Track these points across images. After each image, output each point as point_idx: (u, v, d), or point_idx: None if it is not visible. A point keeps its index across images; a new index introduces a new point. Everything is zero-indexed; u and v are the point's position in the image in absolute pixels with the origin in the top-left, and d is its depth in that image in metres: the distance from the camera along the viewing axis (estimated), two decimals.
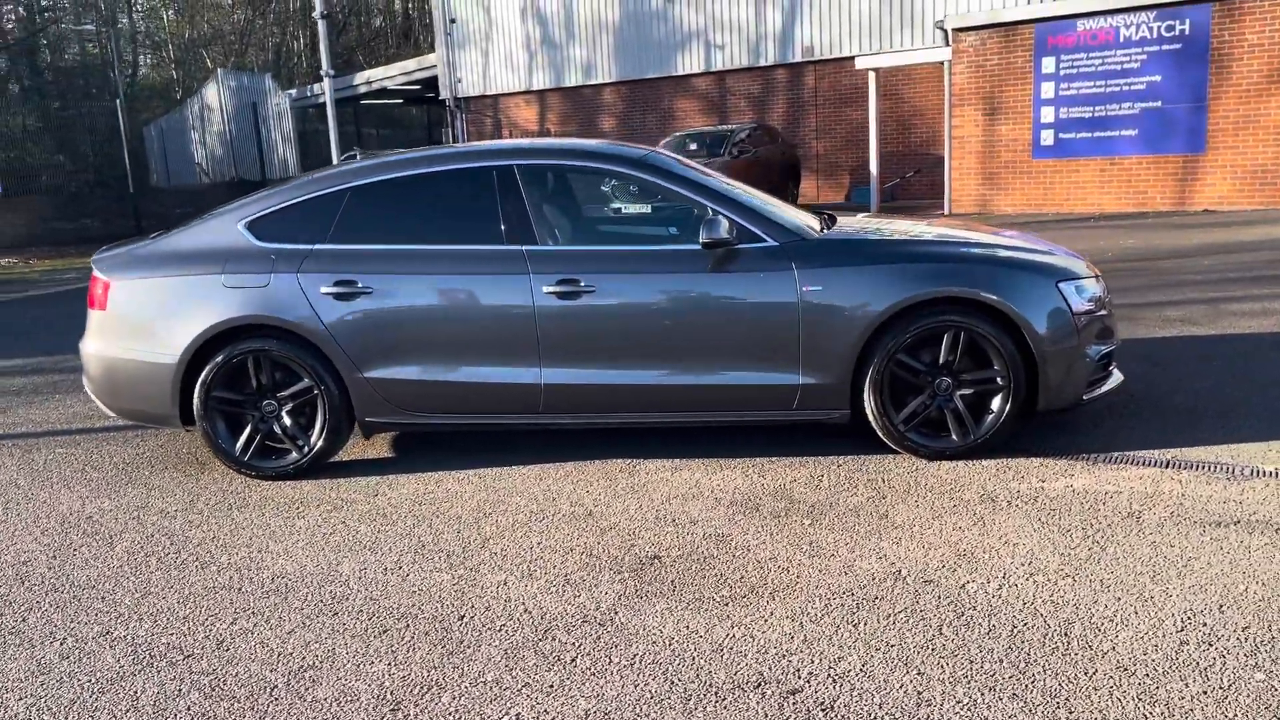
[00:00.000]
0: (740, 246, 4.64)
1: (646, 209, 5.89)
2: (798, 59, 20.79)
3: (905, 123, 20.02)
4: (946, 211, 17.06)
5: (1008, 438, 4.73)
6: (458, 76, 25.80)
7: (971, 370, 4.66)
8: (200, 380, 4.78)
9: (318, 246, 4.82)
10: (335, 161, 19.69)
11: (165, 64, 34.85)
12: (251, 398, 4.85)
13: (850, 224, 5.31)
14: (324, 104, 28.97)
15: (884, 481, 4.52)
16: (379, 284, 4.72)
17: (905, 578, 3.56)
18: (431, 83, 26.22)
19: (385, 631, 3.36)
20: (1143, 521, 3.93)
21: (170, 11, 38.29)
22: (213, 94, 25.39)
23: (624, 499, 4.46)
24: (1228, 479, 4.30)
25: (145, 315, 4.86)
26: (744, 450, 4.98)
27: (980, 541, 3.83)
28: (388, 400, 4.79)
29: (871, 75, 17.89)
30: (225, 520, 4.47)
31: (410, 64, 26.79)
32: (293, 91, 30.80)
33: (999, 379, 4.60)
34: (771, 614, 3.34)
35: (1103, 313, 4.81)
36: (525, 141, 5.31)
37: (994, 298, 4.54)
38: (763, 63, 21.24)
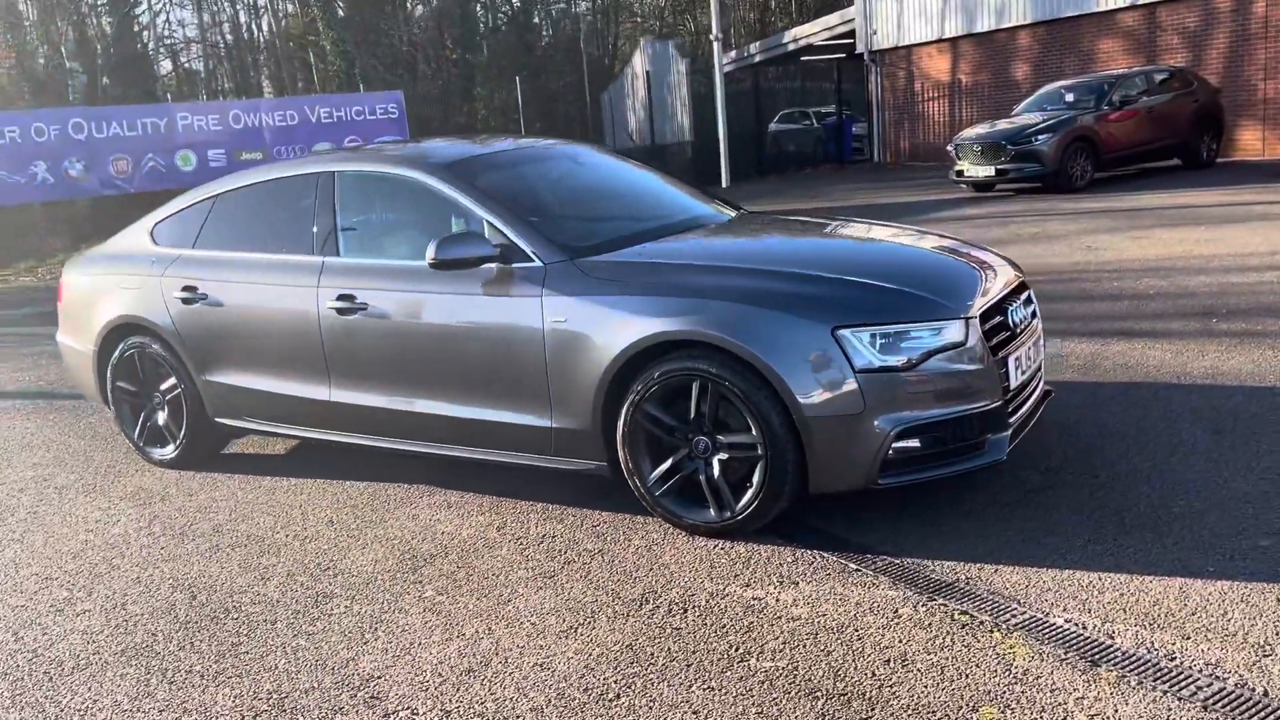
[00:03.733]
0: (514, 266, 4.15)
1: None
2: None
3: None
4: None
5: (770, 518, 3.80)
6: (873, 29, 24.78)
7: (729, 432, 3.78)
8: (108, 370, 5.34)
9: (183, 252, 5.13)
10: (721, 128, 20.06)
11: (636, 33, 37.47)
12: (142, 390, 5.31)
13: (689, 237, 4.49)
14: (756, 64, 29.46)
15: (586, 551, 3.85)
16: (213, 290, 4.92)
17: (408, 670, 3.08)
18: (853, 37, 25.45)
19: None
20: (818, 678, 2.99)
21: None
22: (638, 62, 26.86)
23: (356, 529, 4.26)
24: (1033, 640, 3.10)
25: (77, 310, 5.52)
26: (553, 493, 4.47)
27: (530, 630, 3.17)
28: (223, 404, 5.00)
29: None
30: (48, 492, 4.95)
31: (833, 18, 26.20)
32: (731, 54, 31.60)
33: (759, 446, 3.68)
34: None
35: (952, 367, 3.66)
36: (391, 146, 5.14)
37: (738, 344, 3.63)
38: None
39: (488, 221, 4.26)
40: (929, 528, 3.79)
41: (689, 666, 2.99)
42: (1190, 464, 4.15)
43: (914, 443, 3.67)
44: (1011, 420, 3.89)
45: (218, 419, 5.09)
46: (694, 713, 2.76)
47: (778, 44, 29.21)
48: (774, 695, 2.80)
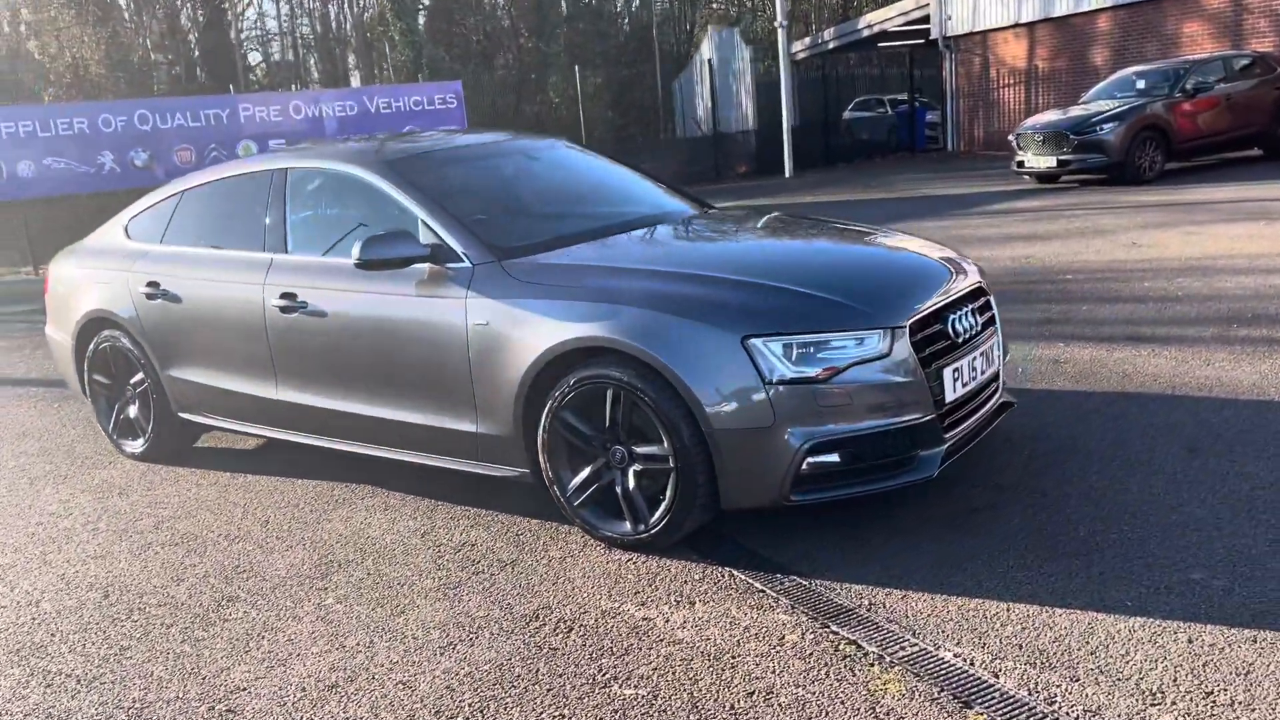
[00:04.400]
0: (446, 266, 4.07)
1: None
2: None
3: None
4: None
5: (684, 533, 3.68)
6: (948, 14, 24.13)
7: (643, 443, 3.65)
8: (85, 362, 5.43)
9: (150, 247, 5.18)
10: (784, 116, 19.74)
11: (712, 20, 37.13)
12: (114, 383, 5.38)
13: (633, 237, 4.35)
14: (830, 51, 28.94)
15: (499, 562, 3.76)
16: (173, 286, 4.95)
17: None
18: (929, 23, 24.80)
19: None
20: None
21: None
22: (706, 50, 26.57)
23: (276, 526, 4.24)
24: (905, 676, 2.93)
25: (59, 302, 5.62)
26: (490, 499, 4.38)
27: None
28: (185, 399, 5.04)
29: None
30: (20, 481, 5.04)
31: (908, 3, 25.54)
32: (805, 40, 31.11)
33: (670, 459, 3.55)
34: None
35: (874, 379, 3.48)
36: (340, 143, 5.09)
37: (647, 352, 3.50)
38: None
39: (422, 220, 4.18)
40: (852, 547, 3.61)
41: (550, 691, 2.88)
42: (1150, 485, 3.88)
43: (832, 458, 3.49)
44: (948, 436, 3.67)
45: (181, 414, 5.12)
46: None
47: (852, 30, 28.65)
48: None
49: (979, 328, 3.90)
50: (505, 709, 2.81)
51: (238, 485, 4.88)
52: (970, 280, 4.05)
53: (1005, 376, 4.27)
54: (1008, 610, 3.09)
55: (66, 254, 5.74)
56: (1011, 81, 22.96)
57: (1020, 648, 2.88)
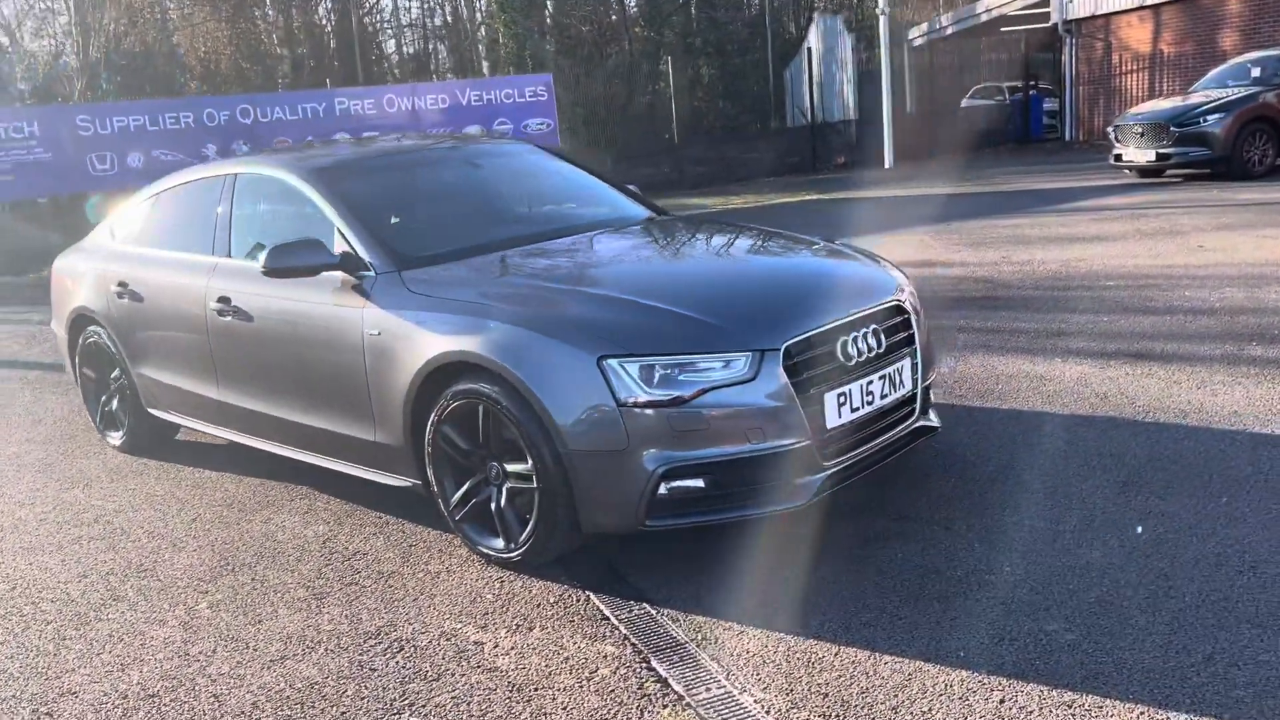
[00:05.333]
0: (356, 275, 4.10)
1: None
2: None
3: None
4: None
5: (552, 553, 3.61)
6: None
7: (512, 461, 3.61)
8: (76, 355, 5.70)
9: (125, 248, 5.39)
10: (885, 105, 19.22)
11: (826, 7, 36.40)
12: (99, 377, 5.62)
13: (559, 245, 4.29)
14: (947, 37, 28.05)
15: (379, 573, 3.77)
16: (137, 287, 5.13)
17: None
18: (1049, 6, 23.74)
19: None
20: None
21: None
22: (812, 38, 26.04)
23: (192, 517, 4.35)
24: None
25: (56, 297, 5.90)
26: (405, 508, 4.39)
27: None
28: (151, 396, 5.22)
29: None
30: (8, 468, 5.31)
31: None
32: (924, 26, 30.21)
33: (533, 478, 3.50)
34: None
35: (738, 403, 3.33)
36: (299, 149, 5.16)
37: (509, 370, 3.46)
38: None
39: (337, 228, 4.21)
40: (721, 574, 3.48)
41: (343, 715, 2.86)
42: (1061, 521, 3.62)
43: (694, 483, 3.37)
44: (829, 463, 3.49)
45: (150, 409, 5.31)
46: None
47: (970, 15, 27.64)
48: None
49: (880, 350, 3.69)
50: None
51: (190, 481, 5.02)
52: (883, 300, 3.83)
53: (928, 397, 4.03)
54: (836, 655, 2.93)
55: (67, 252, 6.00)
56: (1134, 67, 21.77)
57: (825, 697, 2.72)
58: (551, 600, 3.43)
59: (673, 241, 4.52)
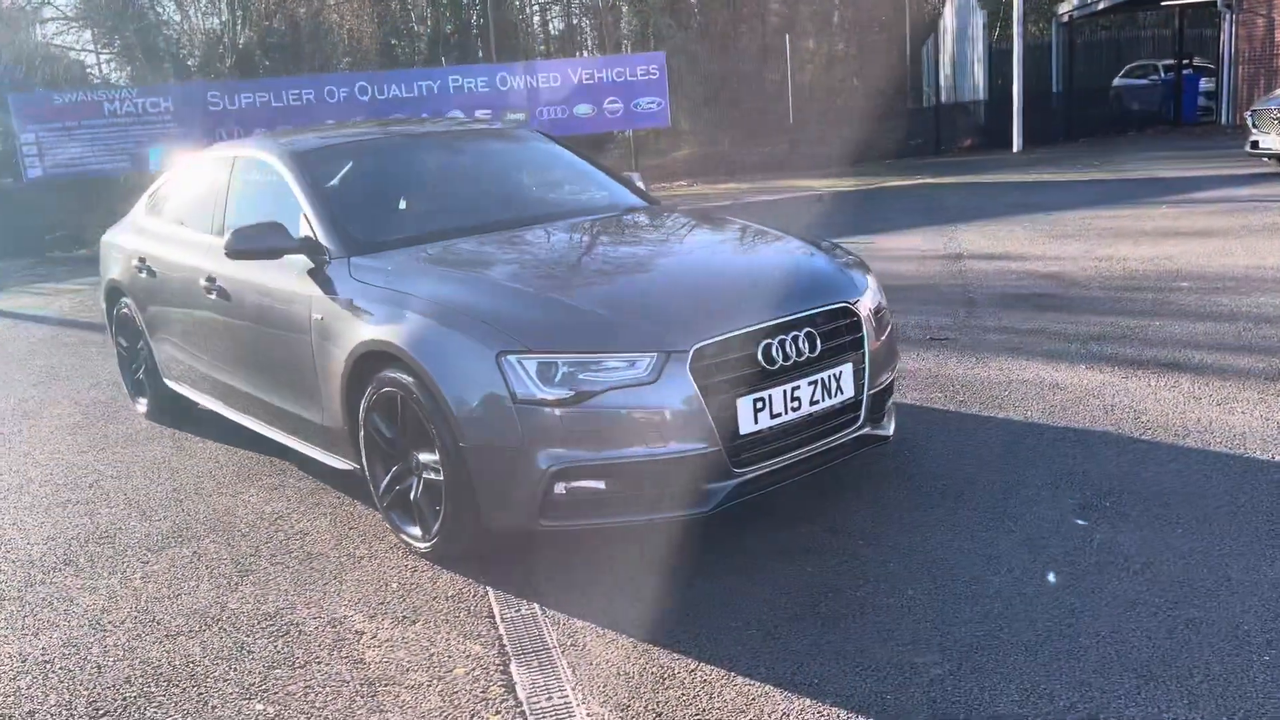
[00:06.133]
0: (316, 259, 4.17)
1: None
2: None
3: None
4: None
5: (462, 546, 3.58)
6: None
7: (426, 451, 3.62)
8: (112, 325, 6.01)
9: (150, 223, 5.62)
10: (1015, 86, 18.41)
11: None
12: (130, 346, 5.90)
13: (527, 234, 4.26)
14: (1100, 10, 26.56)
15: (313, 554, 3.84)
16: (152, 263, 5.35)
17: None
18: None
19: None
20: None
21: None
22: (947, 15, 25.03)
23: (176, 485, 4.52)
24: None
25: (101, 269, 6.20)
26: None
27: None
28: (165, 367, 5.46)
29: None
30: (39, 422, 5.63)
31: None
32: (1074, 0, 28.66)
33: (440, 470, 3.51)
34: None
35: (638, 405, 3.24)
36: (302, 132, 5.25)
37: (417, 361, 3.46)
38: None
39: (302, 212, 4.28)
40: (620, 581, 3.41)
41: (199, 696, 2.93)
42: (991, 546, 3.39)
43: (594, 484, 3.30)
44: (742, 470, 3.37)
45: (164, 380, 5.54)
46: None
47: None
48: None
49: (813, 354, 3.52)
50: (149, 707, 2.88)
51: (189, 451, 5.21)
52: (825, 303, 3.65)
53: (880, 404, 3.83)
54: (691, 672, 2.82)
55: (113, 226, 6.30)
56: None
57: (658, 716, 2.63)
58: (450, 594, 3.42)
59: (629, 236, 4.42)
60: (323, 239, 4.12)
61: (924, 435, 4.46)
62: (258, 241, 4.14)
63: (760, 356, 3.39)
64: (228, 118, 16.65)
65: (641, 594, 3.29)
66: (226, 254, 4.18)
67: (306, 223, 4.21)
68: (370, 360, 3.69)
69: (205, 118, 16.51)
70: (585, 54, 39.16)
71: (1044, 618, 2.91)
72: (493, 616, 3.24)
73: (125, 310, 5.76)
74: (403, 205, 4.66)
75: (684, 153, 22.37)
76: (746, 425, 3.36)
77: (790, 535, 3.60)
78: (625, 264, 4.08)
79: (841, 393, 3.62)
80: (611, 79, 18.09)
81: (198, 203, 5.23)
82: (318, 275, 4.01)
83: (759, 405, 3.38)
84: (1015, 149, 19.96)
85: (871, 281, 4.04)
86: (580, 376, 3.24)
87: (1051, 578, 3.07)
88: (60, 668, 3.14)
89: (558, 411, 3.23)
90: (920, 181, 16.35)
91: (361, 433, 3.81)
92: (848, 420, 3.68)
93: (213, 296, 4.66)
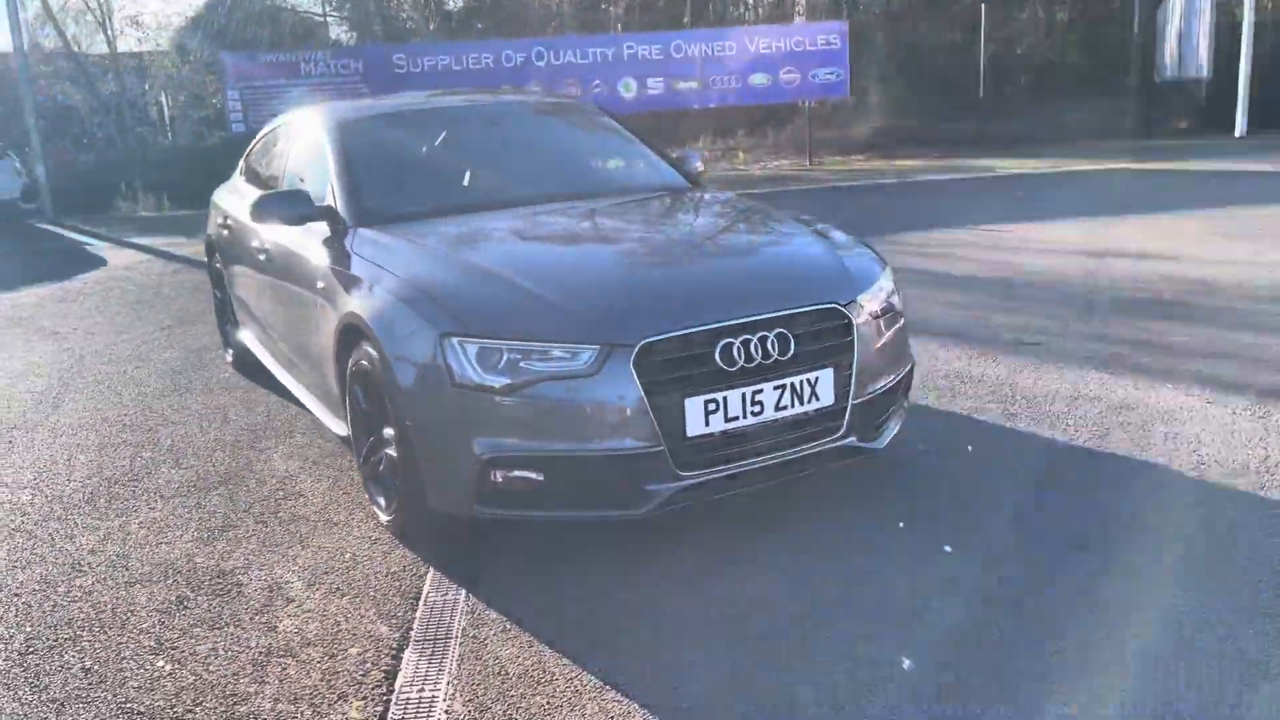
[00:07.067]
0: (336, 228, 4.27)
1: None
2: None
3: None
4: None
5: (418, 525, 3.59)
6: None
7: (390, 426, 3.65)
8: (212, 279, 6.38)
9: (237, 184, 5.90)
10: (1242, 65, 16.82)
11: None
12: (223, 300, 6.23)
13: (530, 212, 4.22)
14: None
15: (293, 518, 3.95)
16: (230, 221, 5.62)
17: None
18: None
19: None
20: None
21: None
22: None
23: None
24: None
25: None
26: None
27: None
28: (239, 320, 5.74)
29: None
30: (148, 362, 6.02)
31: None
32: None
33: (394, 447, 3.55)
34: None
35: (575, 398, 3.15)
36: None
37: (376, 337, 3.50)
38: None
39: (329, 180, 4.37)
40: (560, 574, 3.34)
41: (118, 646, 3.05)
42: (953, 583, 3.10)
43: (531, 475, 3.23)
44: (689, 474, 3.21)
45: (238, 333, 5.82)
46: None
47: None
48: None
49: (782, 357, 3.30)
50: (70, 651, 3.02)
51: (251, 404, 5.44)
52: (807, 304, 3.41)
53: (871, 414, 3.57)
54: (569, 682, 2.73)
55: (220, 186, 6.65)
56: None
57: None
58: (391, 571, 3.43)
59: (630, 220, 4.26)
60: (340, 208, 4.18)
61: (946, 450, 4.13)
62: (279, 207, 4.25)
63: (718, 357, 3.21)
64: (411, 80, 17.26)
65: (569, 591, 3.20)
66: (251, 218, 4.31)
67: (330, 191, 4.28)
68: (351, 332, 3.72)
69: (391, 79, 17.16)
70: (799, 19, 38.41)
71: (926, 665, 2.63)
72: (418, 598, 3.23)
73: (217, 265, 6.07)
74: (465, 180, 4.61)
75: (868, 126, 21.62)
76: (696, 427, 3.19)
77: (748, 545, 3.42)
78: (602, 250, 3.94)
79: (817, 400, 3.38)
80: (790, 48, 17.65)
81: (267, 164, 5.44)
82: (330, 244, 4.09)
83: (711, 407, 3.20)
84: (1237, 133, 18.21)
85: (884, 281, 3.75)
86: (522, 364, 3.17)
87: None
88: (23, 603, 3.34)
89: (495, 398, 3.17)
90: (1115, 166, 15.16)
91: (348, 401, 3.86)
92: (825, 429, 3.44)
93: (261, 257, 4.84)
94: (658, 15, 29.45)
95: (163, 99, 24.60)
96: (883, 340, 3.61)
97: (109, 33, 25.16)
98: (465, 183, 4.48)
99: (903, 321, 3.82)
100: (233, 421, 5.15)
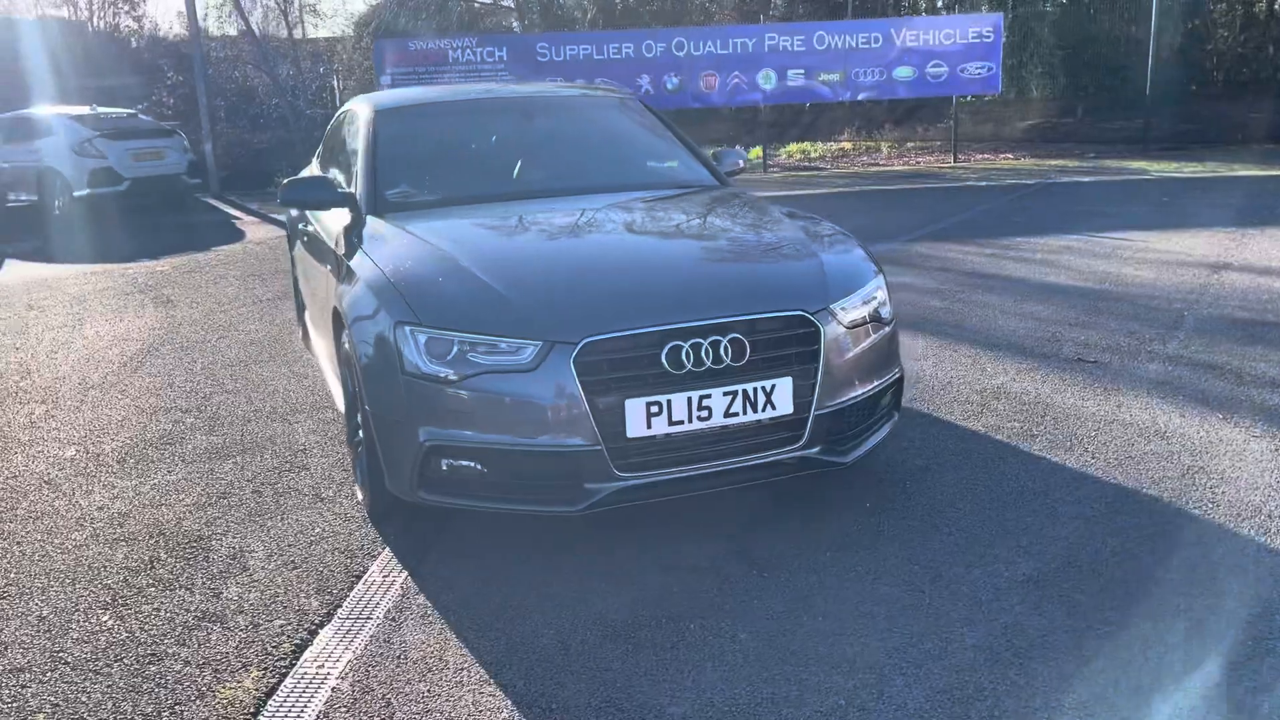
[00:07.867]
0: (354, 214, 4.43)
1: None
2: None
3: None
4: None
5: (383, 511, 3.71)
6: None
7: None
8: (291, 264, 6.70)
9: (313, 168, 6.16)
10: None
11: None
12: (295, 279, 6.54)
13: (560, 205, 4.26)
14: None
15: (290, 490, 4.12)
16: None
17: None
18: None
19: None
20: None
21: None
22: None
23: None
24: None
25: None
26: None
27: None
28: (297, 294, 6.02)
29: None
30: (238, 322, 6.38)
31: None
32: None
33: (360, 431, 3.69)
34: None
35: (513, 392, 3.17)
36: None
37: (348, 321, 3.63)
38: None
39: (354, 169, 4.53)
40: (517, 564, 3.37)
41: (71, 595, 3.26)
42: (894, 615, 2.98)
43: (473, 465, 3.28)
44: (628, 475, 3.20)
45: (304, 315, 6.08)
46: None
47: None
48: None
49: (735, 363, 3.23)
50: (35, 599, 3.25)
51: (305, 379, 5.68)
52: (769, 309, 3.33)
53: (838, 426, 3.46)
54: (458, 672, 2.77)
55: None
56: None
57: (386, 706, 2.60)
58: (348, 549, 3.54)
59: (626, 217, 4.20)
60: (358, 196, 4.32)
61: (941, 466, 3.95)
62: (301, 193, 4.42)
63: (665, 359, 3.17)
64: (553, 68, 17.56)
65: (500, 583, 3.22)
66: (279, 201, 4.49)
67: (354, 178, 4.43)
68: (337, 317, 3.85)
69: (534, 68, 17.51)
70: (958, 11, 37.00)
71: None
72: (357, 580, 3.31)
73: (296, 251, 6.35)
74: (477, 173, 4.69)
75: (1023, 122, 20.71)
76: (637, 428, 3.16)
77: (694, 551, 3.36)
78: (570, 247, 3.90)
79: (773, 408, 3.29)
80: (940, 41, 17.09)
81: (328, 149, 5.65)
82: (346, 230, 4.23)
83: (654, 410, 3.17)
84: None
85: (870, 288, 3.61)
86: (469, 356, 3.21)
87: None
88: (19, 551, 3.61)
89: (436, 388, 3.22)
90: (1276, 173, 14.07)
91: (343, 383, 4.00)
92: (782, 439, 3.34)
93: (304, 240, 5.06)
94: (819, 6, 28.96)
95: (334, 83, 25.87)
96: (859, 349, 3.48)
97: (288, 19, 26.64)
98: (477, 176, 4.55)
99: (890, 330, 3.68)
100: (279, 394, 5.39)
